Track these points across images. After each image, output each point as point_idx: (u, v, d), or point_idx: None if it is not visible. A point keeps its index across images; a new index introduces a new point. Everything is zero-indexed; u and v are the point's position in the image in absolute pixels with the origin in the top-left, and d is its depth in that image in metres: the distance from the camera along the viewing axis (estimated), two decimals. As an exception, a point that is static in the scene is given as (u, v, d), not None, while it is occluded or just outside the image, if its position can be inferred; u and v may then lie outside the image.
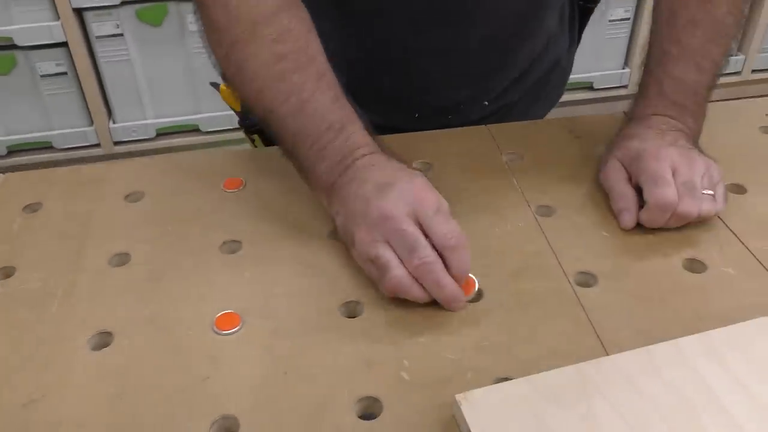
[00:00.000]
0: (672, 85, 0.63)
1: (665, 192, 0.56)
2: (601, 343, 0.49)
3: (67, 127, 1.85)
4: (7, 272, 0.56)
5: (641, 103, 0.66)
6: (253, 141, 0.80)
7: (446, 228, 0.49)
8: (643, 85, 0.66)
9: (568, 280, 0.54)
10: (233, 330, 0.50)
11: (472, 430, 0.41)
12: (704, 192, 0.57)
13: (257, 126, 0.77)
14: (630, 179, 0.61)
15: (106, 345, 0.49)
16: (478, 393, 0.43)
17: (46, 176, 0.68)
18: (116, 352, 0.49)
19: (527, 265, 0.56)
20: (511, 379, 0.45)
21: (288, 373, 0.47)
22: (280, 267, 0.55)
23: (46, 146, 1.88)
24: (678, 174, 0.58)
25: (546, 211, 0.62)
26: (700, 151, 0.62)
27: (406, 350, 0.48)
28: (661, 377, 0.44)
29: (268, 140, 0.75)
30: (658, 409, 0.42)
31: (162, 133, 1.90)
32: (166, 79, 1.81)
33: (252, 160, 0.69)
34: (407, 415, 0.44)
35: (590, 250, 0.57)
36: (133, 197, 0.64)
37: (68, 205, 0.63)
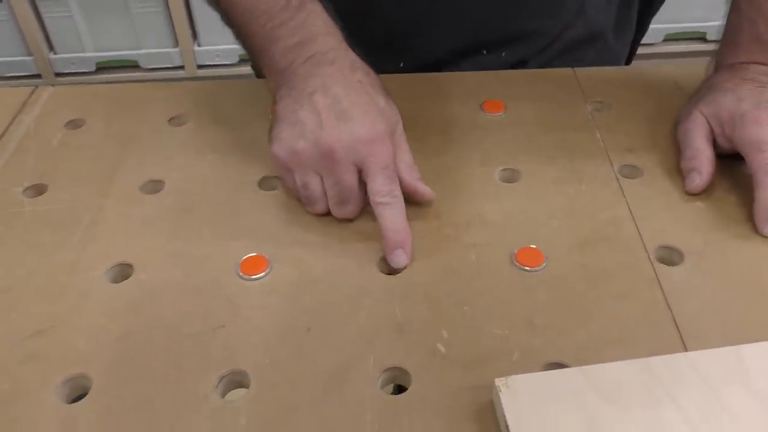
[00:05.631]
0: None
1: None
2: (680, 334, 0.41)
3: (153, 47, 1.85)
4: (39, 189, 0.53)
5: (732, 49, 0.55)
6: None
7: (382, 186, 0.45)
8: (731, 27, 0.55)
9: (648, 255, 0.47)
10: (259, 276, 0.45)
11: (509, 422, 0.35)
12: None
13: None
14: (713, 138, 0.52)
15: (125, 278, 0.46)
16: (521, 379, 0.37)
17: (94, 92, 0.64)
18: (133, 287, 0.45)
19: (601, 233, 0.48)
20: (564, 367, 0.39)
21: (311, 330, 0.42)
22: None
23: (133, 65, 1.88)
24: None
25: (631, 171, 0.54)
26: None
27: (447, 318, 0.43)
28: (750, 386, 0.36)
29: None
30: (742, 425, 0.34)
31: (245, 59, 1.87)
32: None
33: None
34: (438, 393, 0.39)
35: (679, 222, 0.49)
36: (176, 121, 0.60)
37: (111, 124, 0.60)
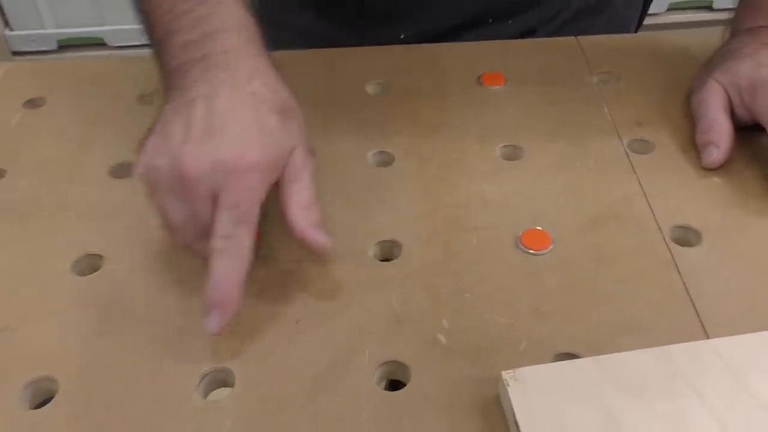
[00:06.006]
0: None
1: None
2: (700, 320, 0.41)
3: (120, 24, 1.82)
4: (-3, 175, 0.51)
5: (751, 13, 0.54)
6: None
7: (221, 228, 0.38)
8: None
9: (663, 236, 0.46)
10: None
11: (517, 417, 0.34)
12: None
13: None
14: (731, 108, 0.51)
15: (93, 270, 0.45)
16: (530, 371, 0.36)
17: (55, 68, 0.62)
18: (104, 280, 0.44)
19: (611, 212, 0.48)
20: (575, 357, 0.39)
21: (301, 322, 0.41)
22: (332, 205, 0.49)
23: (99, 43, 1.85)
24: None
25: (642, 146, 0.53)
26: None
27: (447, 307, 0.42)
28: (776, 374, 0.35)
29: None
30: (770, 417, 0.34)
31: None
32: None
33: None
34: (439, 388, 0.38)
35: (694, 199, 0.48)
36: (147, 99, 0.58)
37: (75, 102, 0.58)
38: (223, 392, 0.38)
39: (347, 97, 0.58)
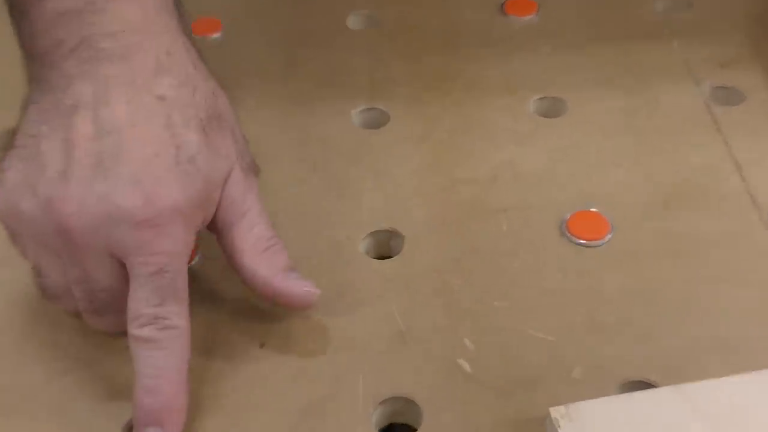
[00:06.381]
0: None
1: None
2: (816, 332, 0.41)
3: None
4: None
5: None
6: None
7: (144, 306, 0.36)
8: None
9: (761, 217, 0.46)
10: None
11: (576, 472, 0.34)
12: None
13: None
14: None
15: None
16: (589, 407, 0.36)
17: None
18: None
19: (689, 187, 0.48)
20: (649, 386, 0.39)
21: (267, 346, 0.41)
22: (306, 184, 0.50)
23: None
24: None
25: (728, 95, 0.54)
26: None
27: (470, 320, 0.42)
28: None
29: None
30: None
31: None
32: None
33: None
34: (462, 433, 0.38)
35: (804, 167, 0.49)
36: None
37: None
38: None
39: (321, 33, 0.58)
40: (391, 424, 0.39)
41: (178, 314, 0.37)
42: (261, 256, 0.39)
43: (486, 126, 0.51)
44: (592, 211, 0.46)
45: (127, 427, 0.38)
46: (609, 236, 0.45)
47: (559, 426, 0.35)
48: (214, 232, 0.40)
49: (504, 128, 0.51)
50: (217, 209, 0.39)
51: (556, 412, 0.35)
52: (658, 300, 0.42)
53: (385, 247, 0.46)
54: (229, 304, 0.43)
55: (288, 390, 0.39)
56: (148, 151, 0.37)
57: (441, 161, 0.49)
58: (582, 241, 0.45)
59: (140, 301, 0.36)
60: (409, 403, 0.39)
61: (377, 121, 0.52)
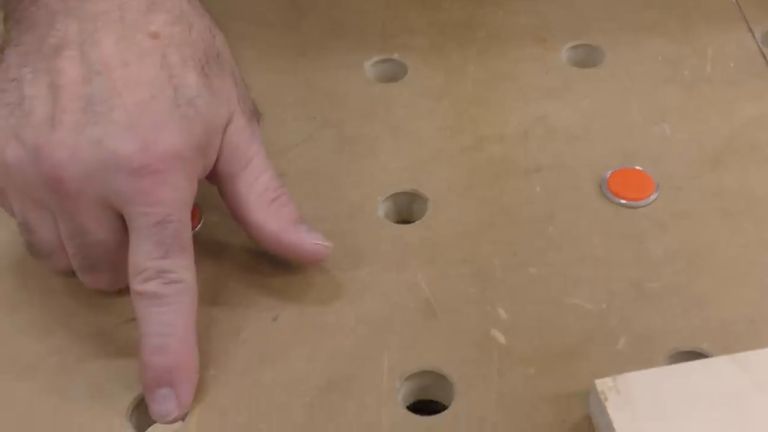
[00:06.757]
0: None
1: None
2: None
3: None
4: None
5: None
6: None
7: (147, 260, 0.37)
8: None
9: None
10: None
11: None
12: None
13: None
14: None
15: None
16: (638, 378, 0.36)
17: None
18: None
19: (742, 141, 0.49)
20: (702, 356, 0.39)
21: (280, 319, 0.41)
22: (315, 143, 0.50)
23: None
24: None
25: None
26: None
27: (502, 288, 0.42)
28: None
29: None
30: None
31: None
32: None
33: None
34: (496, 410, 0.38)
35: None
36: None
37: None
38: (168, 429, 0.38)
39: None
40: (418, 401, 0.40)
41: (183, 267, 0.38)
42: (268, 208, 0.40)
43: (514, 78, 0.52)
44: (635, 169, 0.47)
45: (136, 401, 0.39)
46: (654, 195, 0.46)
47: (606, 399, 0.35)
48: (215, 182, 0.41)
49: (534, 80, 0.52)
50: (218, 157, 0.40)
51: (602, 384, 0.36)
52: (709, 264, 0.43)
53: (407, 210, 0.47)
54: (237, 273, 0.43)
55: (306, 363, 0.40)
56: (143, 93, 0.37)
57: (464, 118, 0.50)
58: (624, 201, 0.45)
59: (142, 255, 0.37)
60: (438, 378, 0.39)
61: (393, 74, 0.53)
